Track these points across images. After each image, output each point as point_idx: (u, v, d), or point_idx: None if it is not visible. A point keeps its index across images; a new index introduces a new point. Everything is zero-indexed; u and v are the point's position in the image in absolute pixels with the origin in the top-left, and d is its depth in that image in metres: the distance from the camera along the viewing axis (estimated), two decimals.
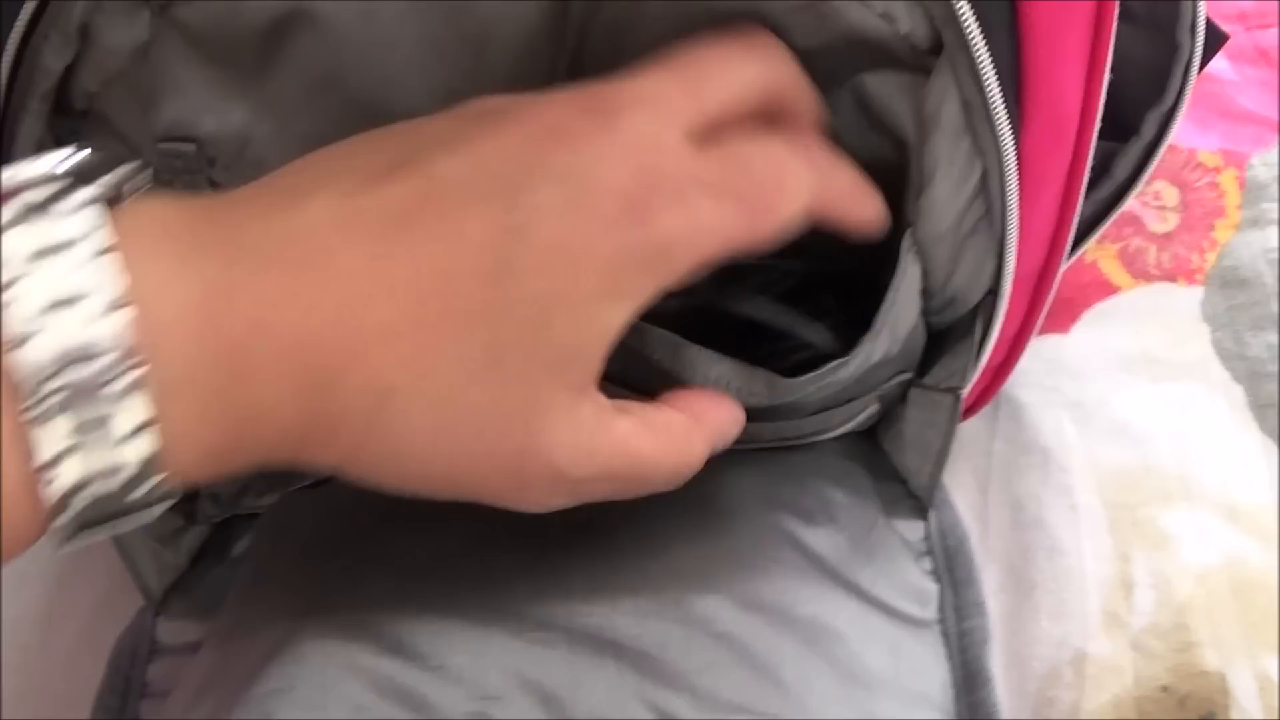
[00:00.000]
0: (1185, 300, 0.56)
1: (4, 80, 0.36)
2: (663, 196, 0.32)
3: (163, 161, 0.41)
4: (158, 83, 0.39)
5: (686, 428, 0.36)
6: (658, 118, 0.33)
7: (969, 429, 0.53)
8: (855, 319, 0.42)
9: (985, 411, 0.53)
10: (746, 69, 0.36)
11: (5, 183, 0.27)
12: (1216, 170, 0.59)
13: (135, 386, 0.26)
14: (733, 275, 0.44)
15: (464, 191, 0.31)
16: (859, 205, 0.38)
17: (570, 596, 0.37)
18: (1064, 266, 0.45)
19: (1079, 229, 0.45)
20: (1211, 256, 0.57)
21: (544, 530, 0.40)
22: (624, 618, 0.38)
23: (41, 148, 0.38)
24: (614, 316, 0.32)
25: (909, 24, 0.37)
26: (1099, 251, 0.57)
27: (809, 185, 0.35)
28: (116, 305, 0.26)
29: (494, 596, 0.37)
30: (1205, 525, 0.49)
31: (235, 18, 0.37)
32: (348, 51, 0.38)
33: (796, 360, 0.42)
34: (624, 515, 0.38)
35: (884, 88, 0.40)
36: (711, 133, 0.34)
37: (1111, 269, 0.57)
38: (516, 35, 0.38)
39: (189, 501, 0.49)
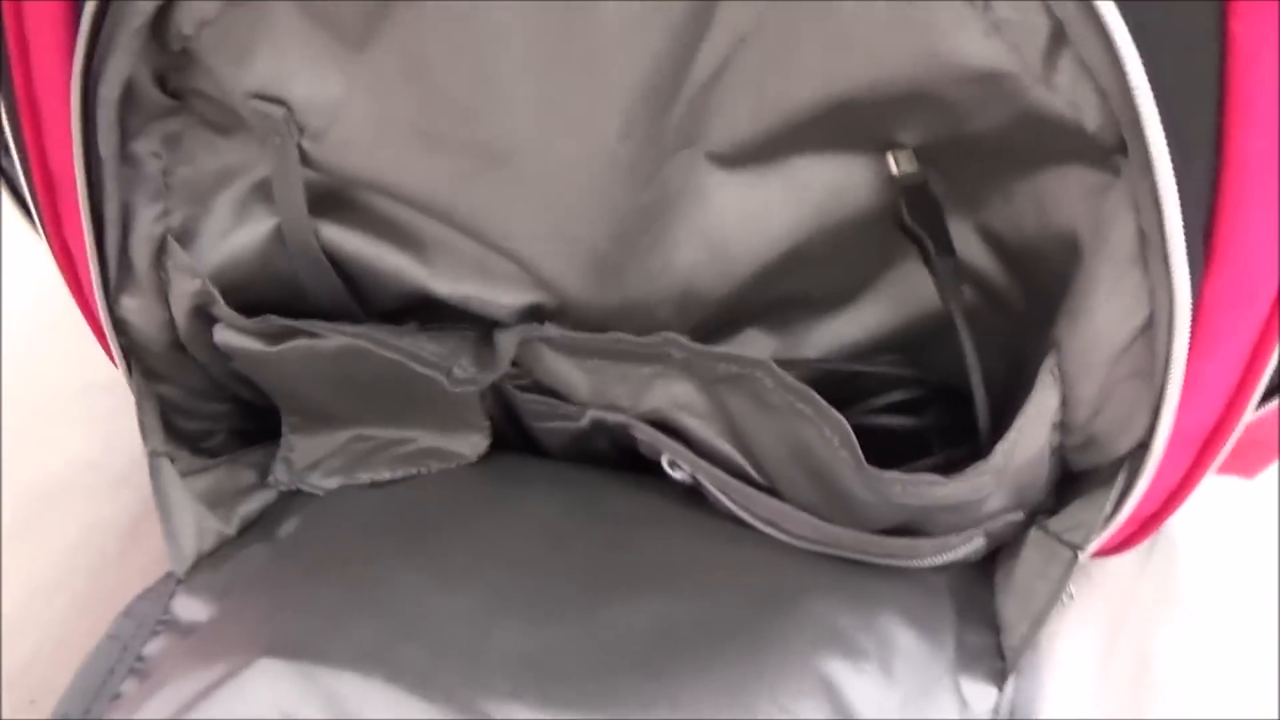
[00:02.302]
0: None
1: (92, 13, 0.35)
2: None
3: (254, 118, 0.39)
4: (255, 35, 0.37)
5: None
6: None
7: (1118, 560, 0.47)
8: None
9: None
10: None
11: None
12: None
13: None
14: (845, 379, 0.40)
15: None
16: None
17: (548, 702, 0.34)
18: (1244, 423, 0.38)
19: (1272, 382, 0.38)
20: None
21: (560, 604, 0.37)
22: None
23: (132, 83, 0.37)
24: None
25: (1097, 121, 0.32)
26: None
27: None
28: None
29: (468, 683, 0.34)
30: None
31: None
32: (451, 39, 0.36)
33: None
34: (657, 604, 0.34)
35: (1065, 183, 0.35)
36: None
37: None
38: (640, 58, 0.34)
39: (269, 456, 0.47)
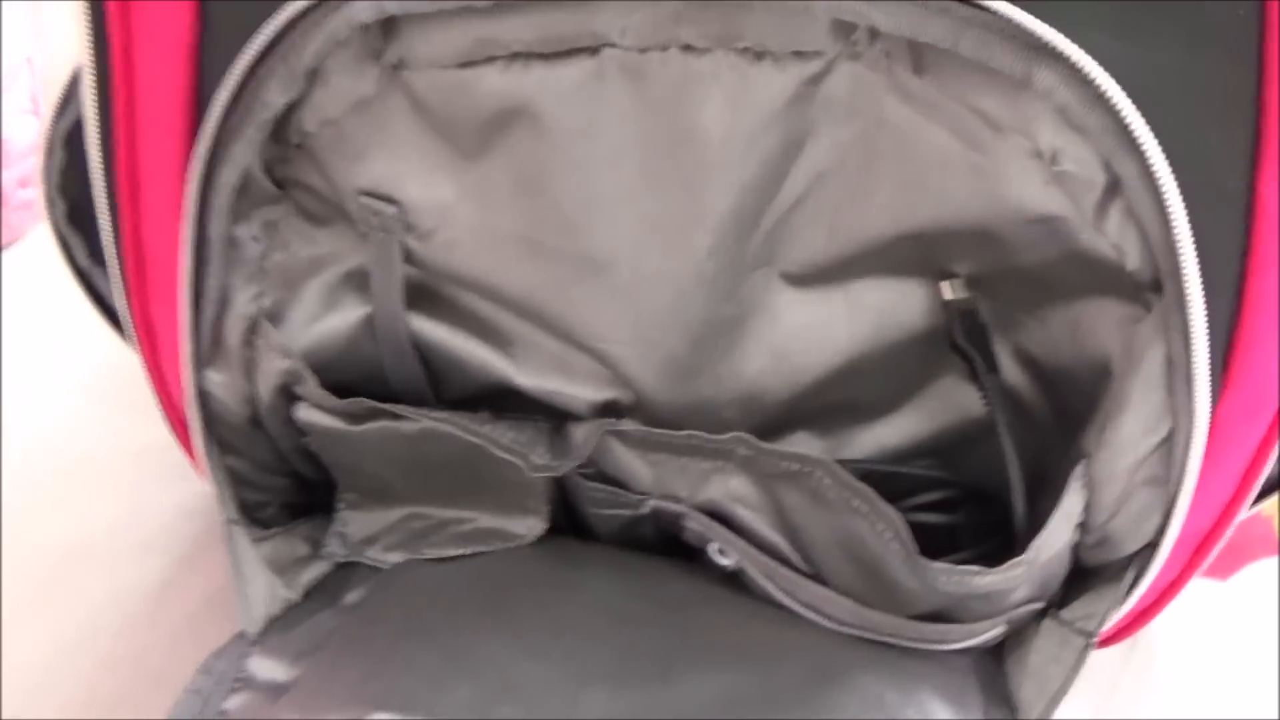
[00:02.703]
0: None
1: (224, 102, 0.38)
2: None
3: (361, 213, 0.42)
4: (373, 136, 0.40)
5: None
6: None
7: (1100, 656, 0.51)
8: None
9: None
10: None
11: None
12: None
13: None
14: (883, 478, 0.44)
15: None
16: None
17: None
18: (1234, 525, 0.43)
19: (1262, 488, 0.42)
20: None
21: (636, 674, 0.40)
22: None
23: (247, 172, 0.40)
24: None
25: (1137, 261, 0.36)
26: (1275, 508, 0.54)
27: None
28: None
29: None
30: None
31: (464, 97, 0.38)
32: (562, 159, 0.39)
33: None
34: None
35: (1100, 314, 0.39)
36: None
37: None
38: (734, 185, 0.38)
39: (318, 529, 0.50)
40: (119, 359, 0.53)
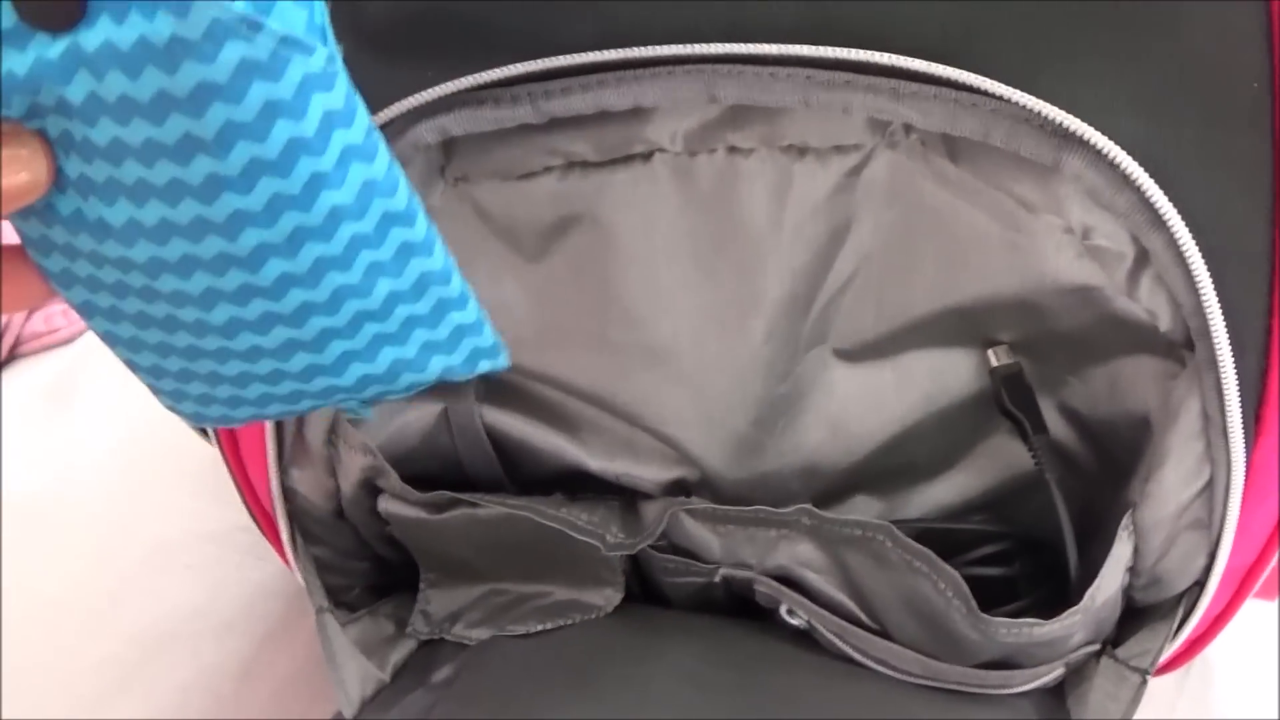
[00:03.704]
0: None
1: None
2: None
3: None
4: None
5: None
6: None
7: (1157, 682, 0.52)
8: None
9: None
10: None
11: None
12: None
13: None
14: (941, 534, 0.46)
15: None
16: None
17: None
18: (1278, 555, 0.44)
19: None
20: None
21: None
22: None
23: None
24: None
25: (1169, 323, 0.38)
26: None
27: None
28: None
29: None
30: None
31: (525, 207, 0.41)
32: (620, 256, 0.41)
33: None
34: None
35: (1137, 371, 0.42)
36: None
37: None
38: (785, 272, 0.41)
39: (402, 608, 0.52)
40: (194, 445, 0.55)
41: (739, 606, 0.51)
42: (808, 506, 0.45)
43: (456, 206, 0.41)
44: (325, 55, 0.24)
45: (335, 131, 0.25)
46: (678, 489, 0.48)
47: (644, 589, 0.52)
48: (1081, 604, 0.41)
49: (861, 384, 0.45)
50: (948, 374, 0.45)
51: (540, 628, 0.49)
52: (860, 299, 0.42)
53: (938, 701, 0.44)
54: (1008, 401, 0.44)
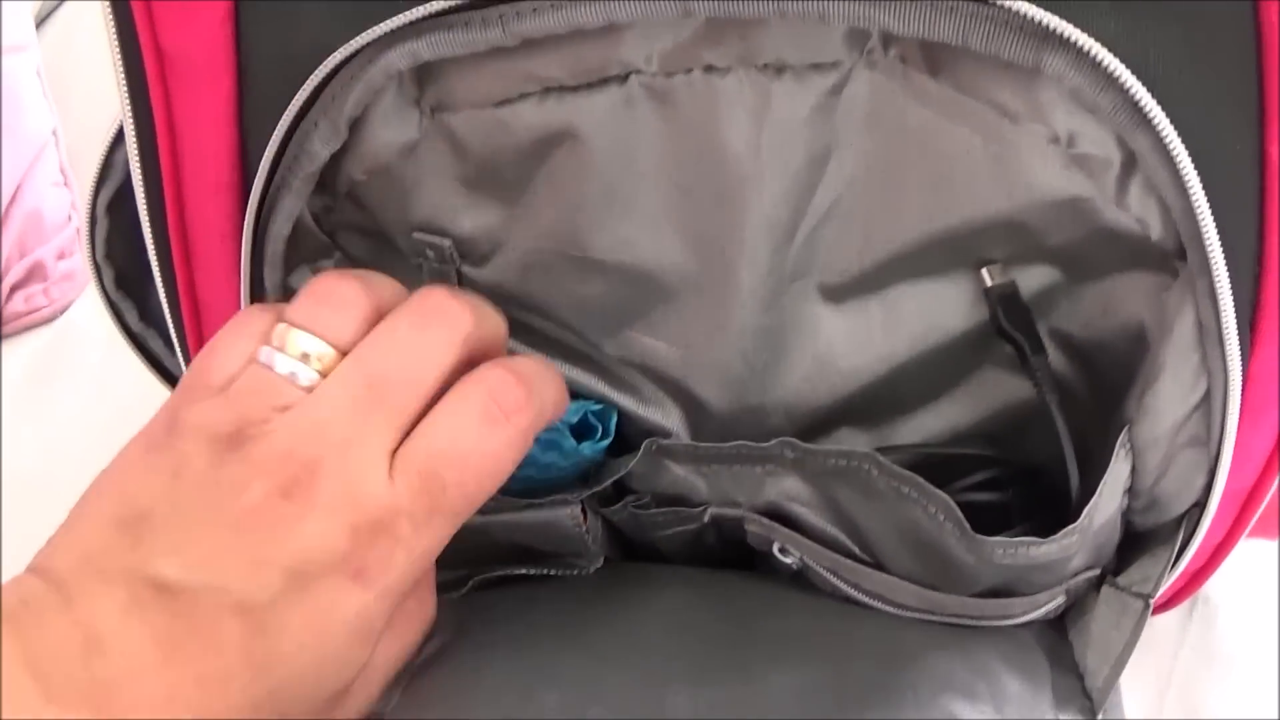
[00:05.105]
0: None
1: (270, 157, 0.39)
2: (378, 548, 0.35)
3: (414, 249, 0.44)
4: (420, 179, 0.42)
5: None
6: (357, 462, 0.35)
7: (1160, 624, 0.52)
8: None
9: (1179, 608, 0.52)
10: (432, 349, 0.38)
11: None
12: None
13: None
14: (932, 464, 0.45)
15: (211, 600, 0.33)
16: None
17: None
18: (1277, 481, 0.44)
19: None
20: None
21: (713, 674, 0.41)
22: None
23: (298, 223, 0.42)
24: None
25: (1160, 231, 0.37)
26: None
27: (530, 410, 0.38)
28: None
29: None
30: None
31: (502, 134, 0.40)
32: (602, 181, 0.41)
33: None
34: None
35: (1130, 286, 0.41)
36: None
37: None
38: (764, 196, 0.40)
39: None
40: None
41: (734, 557, 0.50)
42: (789, 439, 0.45)
43: (434, 140, 0.41)
44: (600, 449, 0.47)
45: (579, 460, 0.46)
46: (664, 431, 0.48)
47: (626, 555, 0.52)
48: (1079, 523, 0.40)
49: (849, 322, 0.45)
50: (936, 309, 0.44)
51: (523, 571, 0.48)
52: (844, 229, 0.42)
53: (935, 634, 0.44)
54: (1004, 322, 0.43)
